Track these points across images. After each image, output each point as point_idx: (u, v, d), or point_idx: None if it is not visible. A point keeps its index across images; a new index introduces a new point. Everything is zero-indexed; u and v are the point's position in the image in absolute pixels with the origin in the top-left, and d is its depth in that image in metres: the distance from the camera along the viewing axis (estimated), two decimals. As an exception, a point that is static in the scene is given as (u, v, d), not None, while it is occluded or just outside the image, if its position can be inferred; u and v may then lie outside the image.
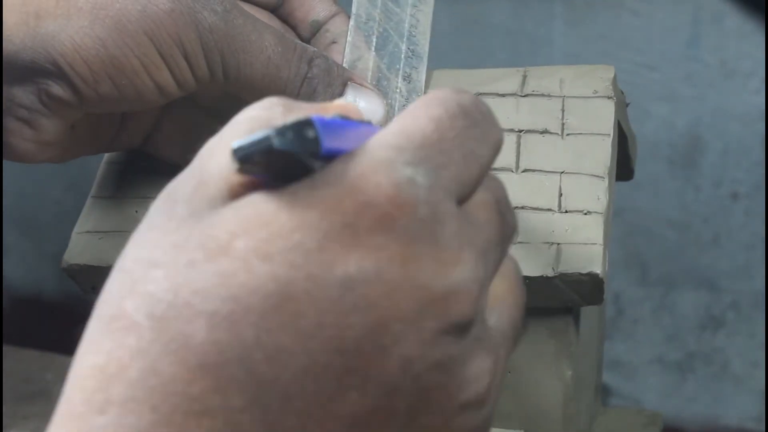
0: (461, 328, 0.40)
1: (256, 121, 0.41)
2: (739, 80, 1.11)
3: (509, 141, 0.61)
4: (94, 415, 0.38)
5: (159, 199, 0.42)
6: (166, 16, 0.54)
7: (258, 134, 0.38)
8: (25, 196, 1.35)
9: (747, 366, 1.16)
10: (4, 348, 0.94)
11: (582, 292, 0.57)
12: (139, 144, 0.62)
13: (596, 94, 0.62)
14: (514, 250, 0.57)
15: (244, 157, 0.39)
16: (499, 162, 0.60)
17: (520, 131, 0.61)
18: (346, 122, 0.41)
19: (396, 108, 0.61)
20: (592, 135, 0.60)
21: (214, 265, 0.38)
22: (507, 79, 0.63)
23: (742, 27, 1.09)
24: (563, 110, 0.61)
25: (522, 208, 0.59)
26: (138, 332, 0.38)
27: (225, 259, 0.38)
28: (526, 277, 0.56)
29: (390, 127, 0.41)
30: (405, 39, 0.62)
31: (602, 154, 0.60)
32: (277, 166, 0.39)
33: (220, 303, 0.38)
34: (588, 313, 0.63)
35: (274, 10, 0.62)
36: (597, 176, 0.59)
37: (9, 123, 0.56)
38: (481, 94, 0.62)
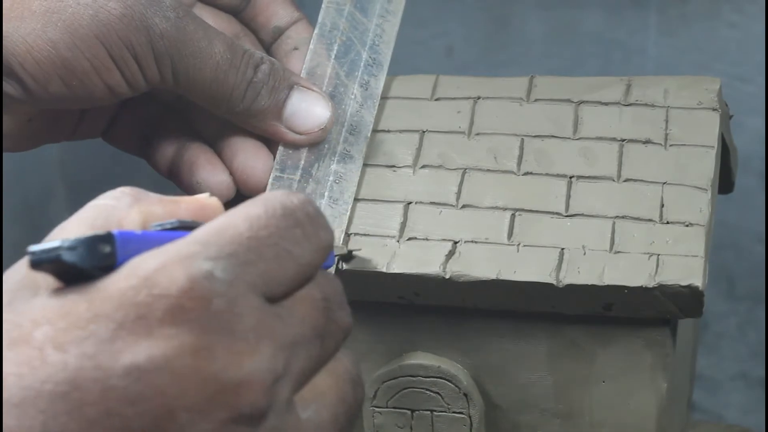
0: (252, 418, 0.42)
1: (102, 210, 0.44)
2: (836, 96, 1.09)
3: (611, 150, 0.60)
4: None
5: None
6: (118, 21, 0.56)
7: (52, 243, 0.41)
8: (94, 185, 1.37)
9: (833, 385, 1.15)
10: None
11: (681, 304, 0.56)
12: (99, 135, 0.64)
13: (701, 106, 0.61)
14: (614, 260, 0.57)
15: (35, 262, 0.41)
16: (600, 171, 0.60)
17: (623, 140, 0.61)
18: (166, 233, 0.43)
19: (348, 113, 0.62)
20: (695, 146, 0.60)
21: (14, 354, 0.41)
22: (610, 87, 0.62)
23: (841, 42, 1.08)
24: (667, 120, 0.61)
25: (623, 217, 0.58)
26: None
27: (25, 347, 0.41)
28: (624, 287, 0.56)
29: (209, 223, 0.43)
30: (367, 48, 0.63)
31: (706, 166, 0.59)
32: (68, 273, 0.41)
33: (15, 390, 0.40)
34: (684, 325, 0.63)
35: (237, 14, 0.64)
36: (700, 188, 0.59)
37: None
38: (583, 102, 0.62)
